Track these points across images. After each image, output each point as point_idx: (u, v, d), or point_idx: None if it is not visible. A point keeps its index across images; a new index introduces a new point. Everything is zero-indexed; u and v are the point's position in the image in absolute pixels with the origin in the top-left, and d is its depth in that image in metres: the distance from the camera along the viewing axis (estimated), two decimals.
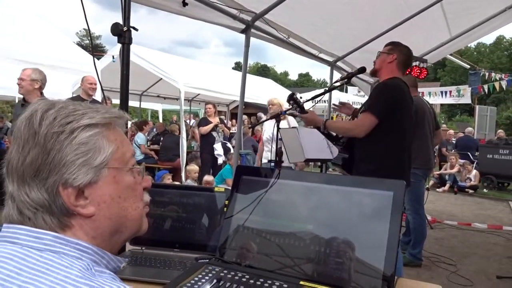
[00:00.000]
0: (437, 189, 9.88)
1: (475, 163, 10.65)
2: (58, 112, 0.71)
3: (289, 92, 3.34)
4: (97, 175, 0.72)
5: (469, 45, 45.44)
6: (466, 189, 9.61)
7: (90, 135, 0.72)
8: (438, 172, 10.56)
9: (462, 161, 10.47)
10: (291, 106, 3.07)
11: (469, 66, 17.94)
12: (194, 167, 6.73)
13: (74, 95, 5.80)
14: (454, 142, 12.68)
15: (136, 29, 1.87)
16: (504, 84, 14.06)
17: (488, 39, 57.84)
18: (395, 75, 2.94)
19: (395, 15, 5.11)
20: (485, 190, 9.88)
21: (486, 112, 18.94)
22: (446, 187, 9.85)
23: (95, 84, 5.33)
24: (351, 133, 2.90)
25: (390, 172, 2.72)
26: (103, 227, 0.75)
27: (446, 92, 16.36)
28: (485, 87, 14.84)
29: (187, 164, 7.64)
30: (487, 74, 16.20)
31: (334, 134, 3.15)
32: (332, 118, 11.28)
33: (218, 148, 7.53)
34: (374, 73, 3.09)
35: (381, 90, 2.93)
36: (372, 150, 2.84)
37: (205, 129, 7.40)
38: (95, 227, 0.74)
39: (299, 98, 3.04)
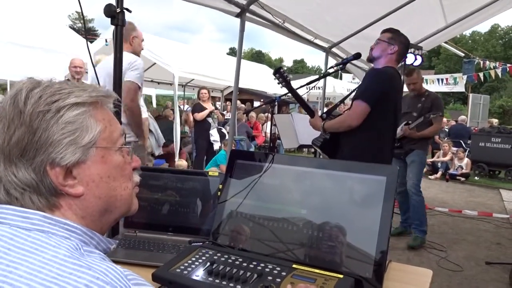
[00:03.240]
0: (429, 176, 9.96)
1: (467, 151, 10.73)
2: (43, 90, 0.70)
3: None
4: (85, 154, 0.72)
5: (464, 33, 45.47)
6: (458, 177, 9.69)
7: (77, 114, 0.71)
8: (431, 160, 10.63)
9: (455, 149, 10.54)
10: (277, 80, 3.05)
11: (463, 54, 17.95)
12: (182, 163, 6.81)
13: (66, 79, 5.74)
14: (447, 130, 12.74)
15: (129, 11, 1.85)
16: (499, 72, 14.10)
17: (483, 27, 57.89)
18: (392, 65, 2.96)
19: (391, 1, 5.08)
20: (476, 177, 9.97)
21: (480, 100, 19.02)
22: (438, 175, 9.93)
23: (80, 67, 5.15)
24: (346, 125, 2.88)
25: (372, 159, 2.75)
26: (92, 207, 0.75)
27: (442, 80, 16.40)
28: (480, 75, 14.88)
29: (180, 149, 7.63)
30: (481, 62, 16.23)
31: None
32: (326, 105, 11.28)
33: (214, 134, 7.51)
34: (371, 60, 3.08)
35: (373, 77, 2.94)
36: (358, 137, 2.84)
37: (201, 115, 7.36)
38: (84, 207, 0.74)
39: (286, 73, 2.99)
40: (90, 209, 0.74)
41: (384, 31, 3.07)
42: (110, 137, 0.77)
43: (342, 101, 3.80)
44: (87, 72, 5.53)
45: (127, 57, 3.10)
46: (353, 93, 3.04)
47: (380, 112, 2.81)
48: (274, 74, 3.01)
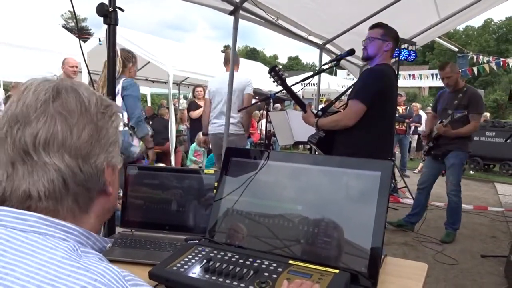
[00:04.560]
0: None
1: None
2: (94, 93, 0.75)
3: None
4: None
5: (457, 28, 45.59)
6: None
7: (119, 123, 0.79)
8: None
9: None
10: (272, 79, 3.03)
11: (457, 49, 17.98)
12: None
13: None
14: None
15: (122, 10, 1.84)
16: (493, 66, 14.15)
17: (476, 22, 58.07)
18: (387, 62, 2.97)
19: None
20: (471, 171, 10.03)
21: None
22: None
23: (77, 67, 5.14)
24: (341, 124, 2.86)
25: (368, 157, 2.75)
26: (108, 207, 0.80)
27: (436, 75, 16.44)
28: (474, 69, 14.93)
29: (176, 147, 7.63)
30: (475, 57, 16.27)
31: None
32: (321, 101, 11.28)
33: None
34: (367, 59, 3.04)
35: (368, 76, 2.92)
36: (355, 135, 2.84)
37: (196, 113, 7.34)
38: (103, 207, 0.78)
39: (281, 71, 2.97)
40: (106, 209, 0.79)
41: (374, 26, 3.03)
42: None
43: (338, 98, 3.79)
44: (80, 72, 5.51)
45: (244, 76, 4.74)
46: (349, 91, 3.04)
47: (377, 111, 2.80)
48: (269, 72, 2.99)
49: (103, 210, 0.78)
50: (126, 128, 3.47)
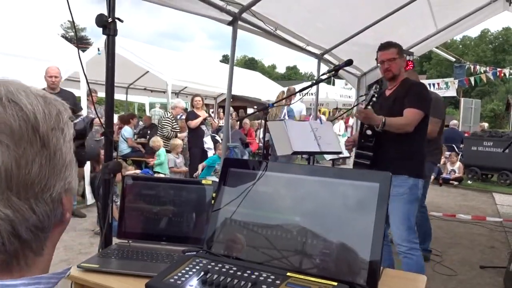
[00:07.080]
0: None
1: (460, 155, 10.80)
2: (38, 99, 0.54)
3: (277, 85, 3.30)
4: None
5: (454, 38, 45.89)
6: (451, 181, 9.73)
7: (72, 133, 0.59)
8: None
9: (448, 153, 10.59)
10: (365, 95, 3.06)
11: (454, 59, 18.12)
12: (177, 141, 7.22)
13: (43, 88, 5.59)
14: None
15: (121, 20, 1.85)
16: (490, 76, 14.25)
17: (473, 32, 58.43)
18: (406, 77, 3.12)
19: (382, 8, 5.13)
20: (469, 181, 10.02)
21: (471, 104, 19.21)
22: (431, 179, 9.97)
23: (56, 77, 4.83)
24: (405, 129, 2.91)
25: (421, 165, 2.97)
26: (64, 229, 0.62)
27: (434, 84, 16.53)
28: (472, 79, 15.03)
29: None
30: (472, 67, 16.38)
31: (370, 132, 3.01)
32: (319, 111, 11.32)
33: (208, 142, 7.49)
34: (392, 79, 3.09)
35: (421, 88, 3.05)
36: (416, 144, 2.94)
37: (195, 123, 7.33)
38: (63, 231, 0.61)
39: (377, 92, 2.95)
40: (61, 234, 0.61)
41: (387, 47, 3.04)
42: None
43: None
44: (78, 81, 5.50)
45: (301, 105, 6.80)
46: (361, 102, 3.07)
47: (427, 120, 2.98)
48: (368, 89, 3.02)
49: (58, 236, 0.60)
50: None
